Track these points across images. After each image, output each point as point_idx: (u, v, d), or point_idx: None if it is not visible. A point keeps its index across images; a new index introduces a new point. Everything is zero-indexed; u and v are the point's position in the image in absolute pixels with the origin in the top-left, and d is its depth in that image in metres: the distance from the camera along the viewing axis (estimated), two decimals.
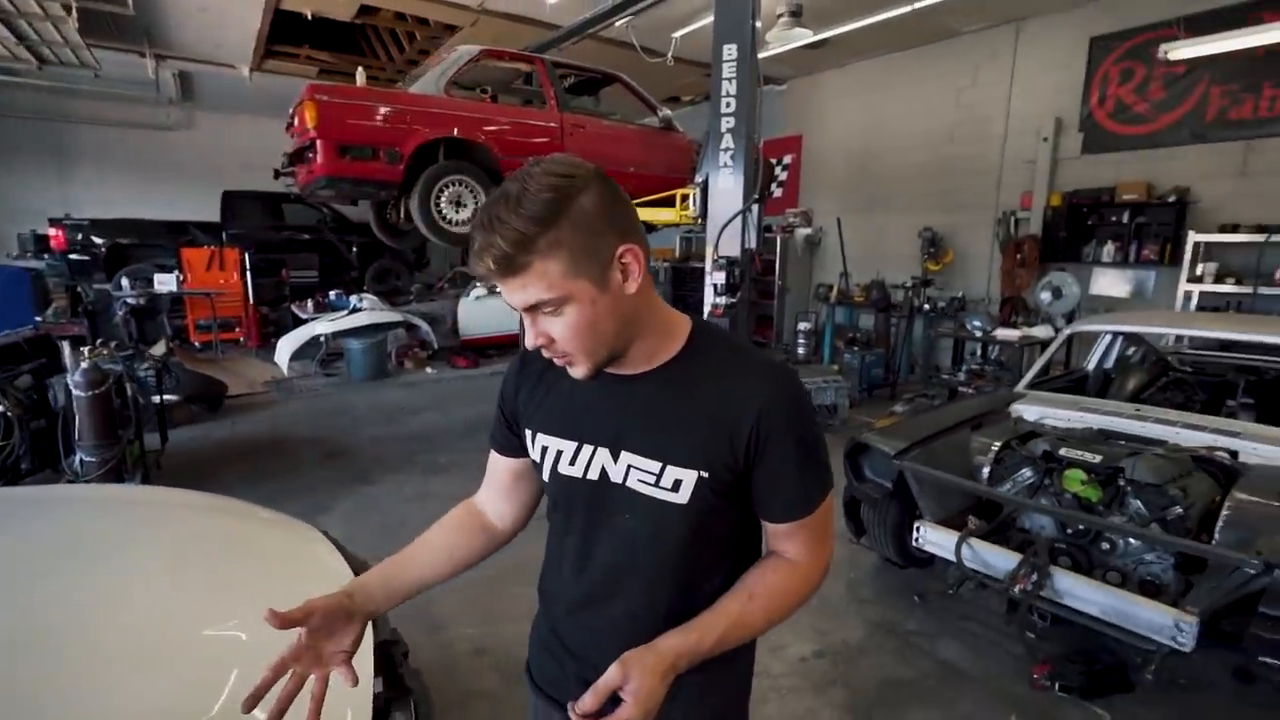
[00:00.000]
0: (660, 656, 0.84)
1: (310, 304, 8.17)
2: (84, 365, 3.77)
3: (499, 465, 1.11)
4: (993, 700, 2.40)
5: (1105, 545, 2.40)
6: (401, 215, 5.22)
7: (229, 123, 10.79)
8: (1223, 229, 5.38)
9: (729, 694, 1.03)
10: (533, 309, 0.82)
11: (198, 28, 7.49)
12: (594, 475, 0.94)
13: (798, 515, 0.91)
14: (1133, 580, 2.32)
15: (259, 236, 9.56)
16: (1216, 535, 2.17)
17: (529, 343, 0.86)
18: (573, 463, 0.96)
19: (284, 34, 7.78)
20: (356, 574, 1.65)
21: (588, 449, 0.95)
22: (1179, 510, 2.25)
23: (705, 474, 0.88)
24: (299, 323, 7.89)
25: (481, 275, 0.81)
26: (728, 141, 4.67)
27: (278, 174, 5.15)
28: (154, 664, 1.18)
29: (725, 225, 4.61)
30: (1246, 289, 5.22)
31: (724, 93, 4.59)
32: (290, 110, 4.74)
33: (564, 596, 1.02)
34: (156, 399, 4.58)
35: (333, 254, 10.11)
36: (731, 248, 4.66)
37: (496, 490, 1.13)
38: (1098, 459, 2.46)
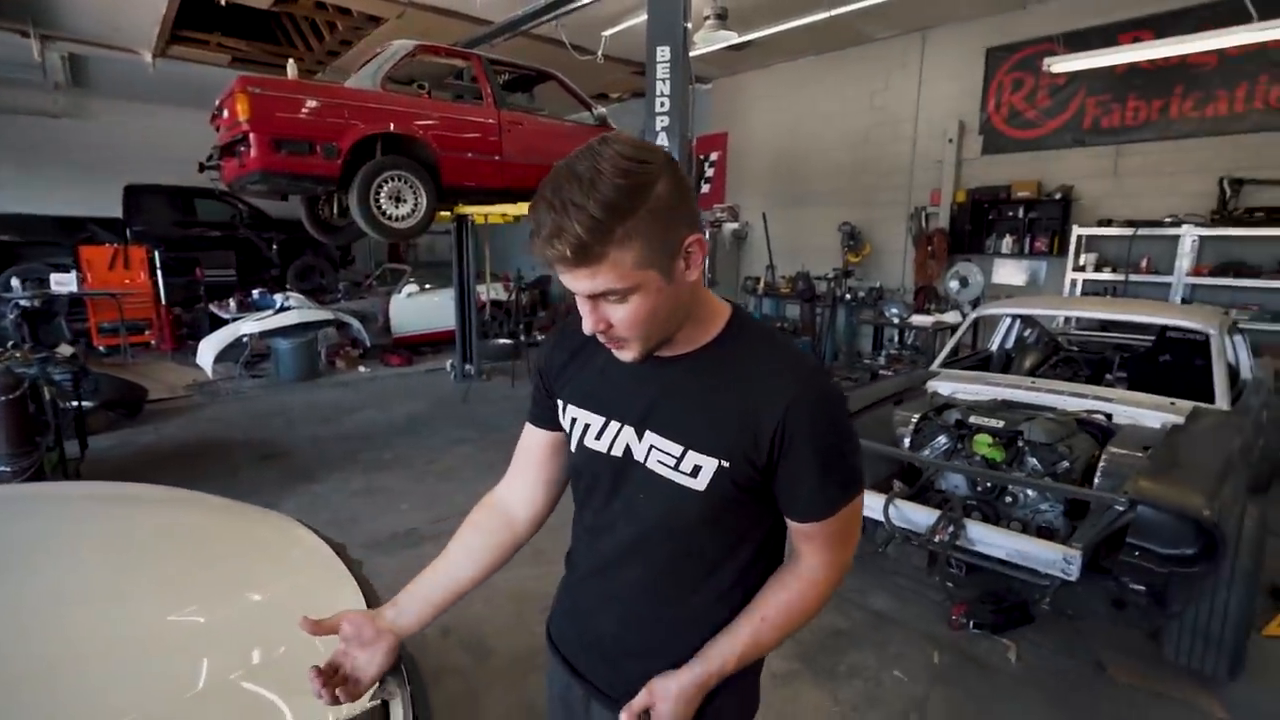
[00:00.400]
0: (683, 684, 0.90)
1: (233, 303, 7.81)
2: None
3: (534, 440, 1.10)
4: (918, 641, 2.71)
5: (1009, 499, 2.75)
6: (335, 211, 5.12)
7: (128, 112, 10.02)
8: (1100, 223, 6.04)
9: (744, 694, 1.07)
10: (596, 296, 0.81)
11: (93, 7, 6.96)
12: (618, 452, 0.94)
13: (818, 517, 0.89)
14: (1031, 527, 2.67)
15: (168, 233, 9.00)
16: (1095, 483, 2.54)
17: (586, 329, 0.85)
18: (599, 437, 0.96)
19: (192, 19, 7.38)
20: (338, 554, 1.73)
21: (614, 425, 0.95)
22: (1066, 464, 2.62)
23: (726, 463, 0.87)
24: (218, 323, 7.53)
25: (550, 259, 0.77)
26: (663, 139, 4.86)
27: (203, 167, 4.94)
28: (148, 651, 1.19)
29: None
30: (1120, 276, 5.89)
31: (658, 92, 4.77)
32: (217, 101, 4.56)
33: (581, 563, 1.06)
34: (74, 404, 4.33)
35: (251, 252, 9.65)
36: None
37: (525, 471, 1.11)
38: (1001, 424, 2.81)
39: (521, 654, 2.60)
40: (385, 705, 1.29)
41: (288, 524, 1.93)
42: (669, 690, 0.90)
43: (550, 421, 1.06)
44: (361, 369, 7.73)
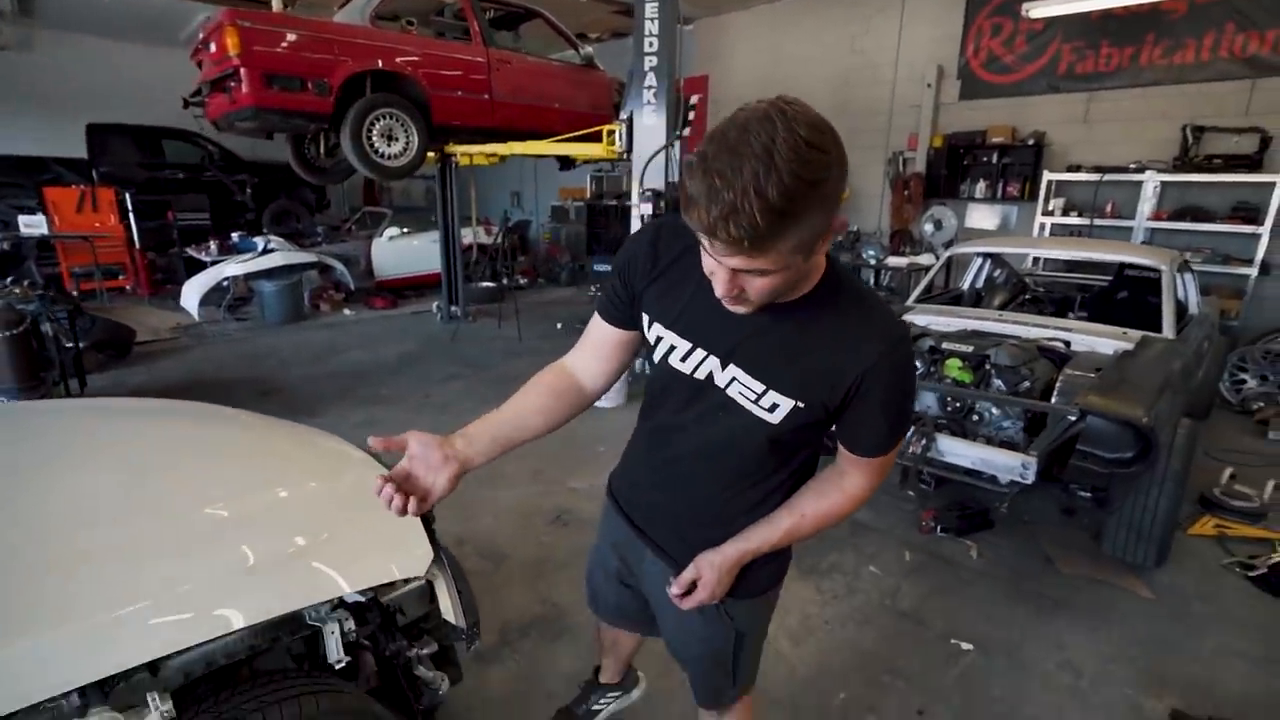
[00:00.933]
0: (725, 557, 1.09)
1: (213, 246, 7.70)
2: None
3: (604, 332, 1.15)
4: (892, 543, 3.03)
5: (975, 417, 3.02)
6: (322, 151, 5.08)
7: (81, 45, 9.52)
8: (1069, 169, 6.26)
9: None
10: (741, 270, 0.82)
11: None
12: (700, 376, 1.02)
13: (874, 455, 1.03)
14: (995, 442, 2.95)
15: (135, 175, 8.74)
16: (1053, 401, 2.82)
17: (719, 292, 0.87)
18: (684, 360, 1.03)
19: None
20: (377, 460, 1.90)
21: (701, 353, 1.01)
22: (1028, 384, 2.89)
23: (801, 405, 0.96)
24: (194, 267, 7.46)
25: (718, 237, 0.75)
26: (651, 80, 4.89)
27: (187, 103, 4.85)
28: (203, 536, 1.24)
29: (651, 159, 4.89)
30: (1086, 221, 6.16)
31: (646, 33, 4.78)
32: (200, 34, 4.46)
33: (647, 448, 1.20)
34: (70, 343, 4.37)
35: (224, 195, 9.43)
36: (655, 181, 4.96)
37: (593, 353, 1.18)
38: (970, 349, 3.06)
39: (531, 560, 2.84)
40: (430, 584, 1.50)
41: (323, 436, 2.10)
42: (713, 562, 1.10)
43: (623, 321, 1.12)
44: (346, 311, 7.76)
